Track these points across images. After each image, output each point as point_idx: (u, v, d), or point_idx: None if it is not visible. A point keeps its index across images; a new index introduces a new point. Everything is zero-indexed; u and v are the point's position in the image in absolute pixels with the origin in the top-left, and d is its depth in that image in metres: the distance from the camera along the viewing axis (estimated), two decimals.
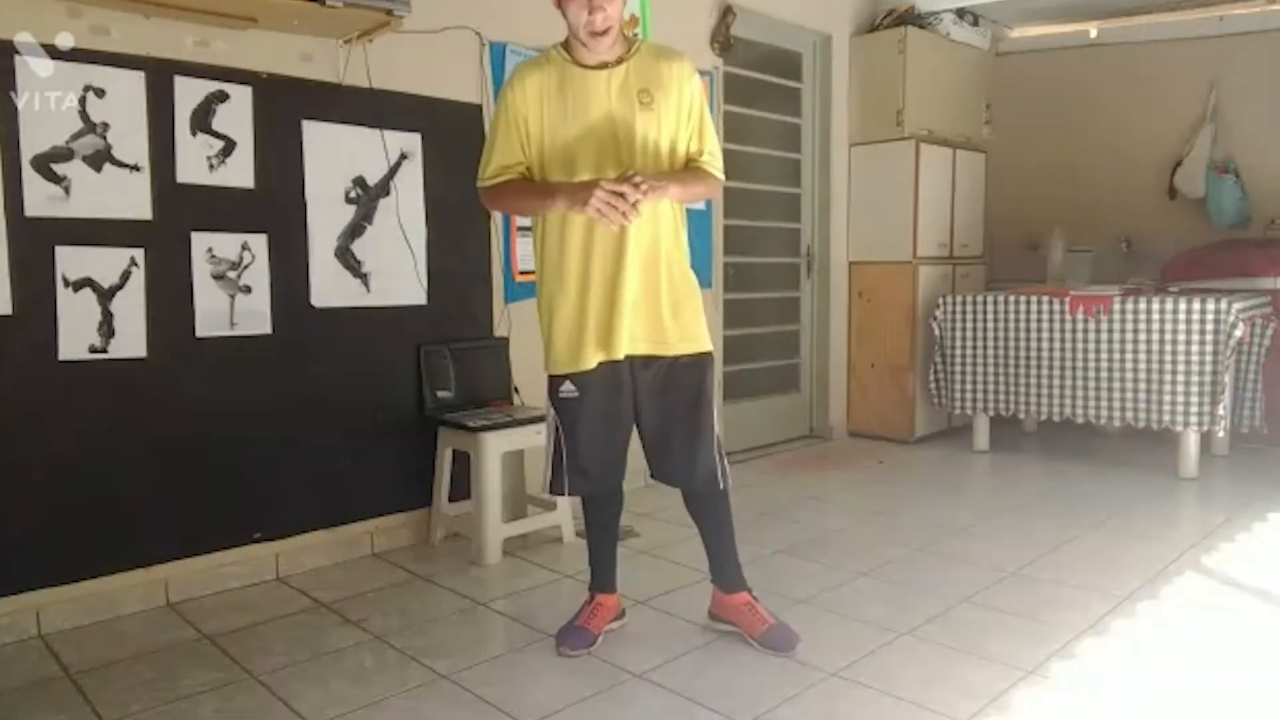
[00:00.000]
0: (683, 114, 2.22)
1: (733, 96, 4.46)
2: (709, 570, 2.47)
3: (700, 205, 4.16)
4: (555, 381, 2.28)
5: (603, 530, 2.47)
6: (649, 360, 2.25)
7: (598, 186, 2.04)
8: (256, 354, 2.88)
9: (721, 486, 2.31)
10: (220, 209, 2.78)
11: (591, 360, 2.22)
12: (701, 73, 4.14)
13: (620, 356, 2.22)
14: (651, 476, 2.39)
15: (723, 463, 2.32)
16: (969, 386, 4.64)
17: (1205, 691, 2.11)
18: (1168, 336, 4.01)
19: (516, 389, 3.51)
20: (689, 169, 2.25)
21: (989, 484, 4.20)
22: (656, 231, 2.20)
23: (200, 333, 2.77)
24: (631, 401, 2.28)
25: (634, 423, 2.32)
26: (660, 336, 2.24)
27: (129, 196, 2.61)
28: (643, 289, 2.21)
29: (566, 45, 2.21)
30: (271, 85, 2.86)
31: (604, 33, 2.09)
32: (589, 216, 2.09)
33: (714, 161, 2.27)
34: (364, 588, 2.87)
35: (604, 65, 2.17)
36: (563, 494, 2.33)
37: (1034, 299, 4.40)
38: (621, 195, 2.03)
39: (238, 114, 2.80)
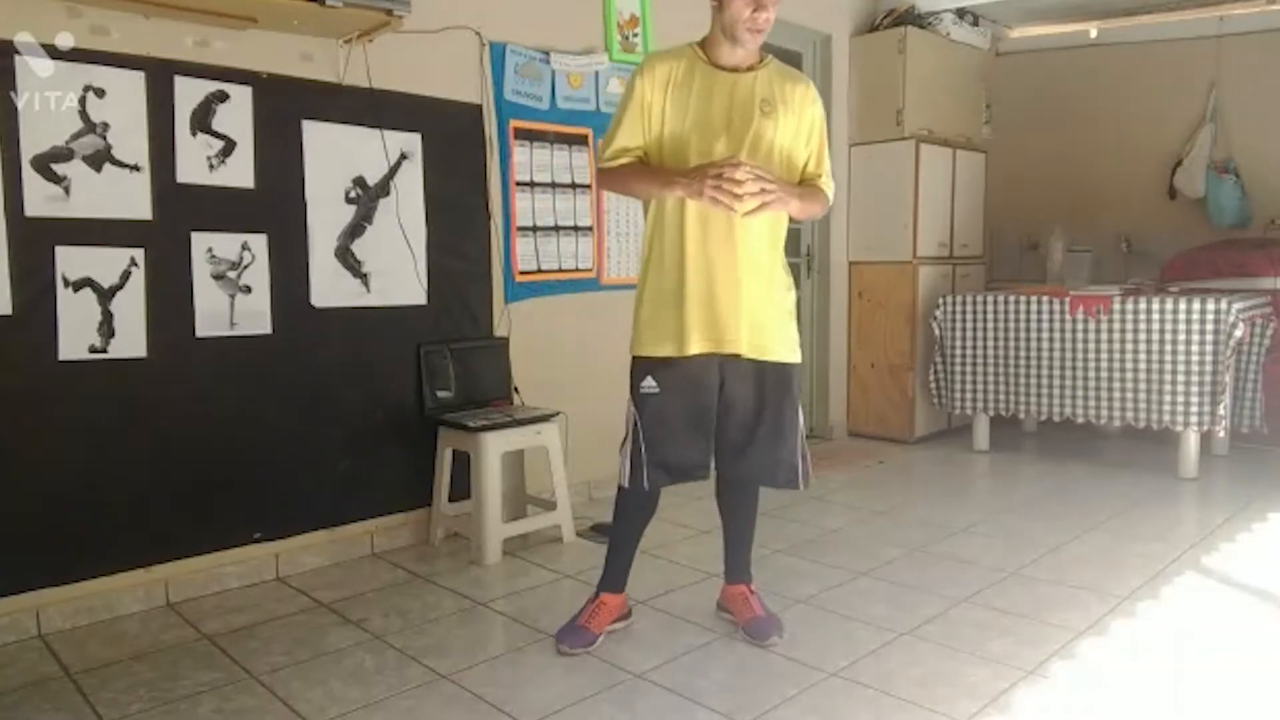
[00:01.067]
0: (801, 133, 2.30)
1: None
2: (723, 562, 2.55)
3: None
4: (638, 373, 2.30)
5: (636, 531, 2.46)
6: (744, 361, 2.27)
7: (706, 174, 2.07)
8: (256, 354, 2.88)
9: (802, 487, 2.40)
10: (220, 209, 2.78)
11: (690, 349, 2.23)
12: None
13: (722, 351, 2.25)
14: (717, 468, 2.40)
15: (805, 463, 2.38)
16: (969, 386, 4.64)
17: (1205, 691, 2.11)
18: (1168, 336, 4.01)
19: (516, 389, 3.51)
20: (807, 186, 2.32)
21: (989, 484, 4.20)
22: (770, 237, 2.26)
23: (200, 333, 2.77)
24: (715, 397, 2.30)
25: (714, 418, 2.33)
26: (761, 339, 2.26)
27: (129, 196, 2.61)
28: (749, 289, 2.24)
29: (703, 43, 2.29)
30: (271, 85, 2.86)
31: (760, 32, 2.18)
32: (704, 204, 2.12)
33: (829, 183, 2.36)
34: (364, 588, 2.87)
35: (736, 69, 2.25)
36: (642, 488, 2.32)
37: (1034, 299, 4.40)
38: (728, 180, 2.05)
39: (238, 114, 2.80)
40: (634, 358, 2.32)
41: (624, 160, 2.27)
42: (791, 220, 2.35)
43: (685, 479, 2.37)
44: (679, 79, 2.23)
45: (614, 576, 2.46)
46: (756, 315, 2.25)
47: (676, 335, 2.24)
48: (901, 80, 4.79)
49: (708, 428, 2.33)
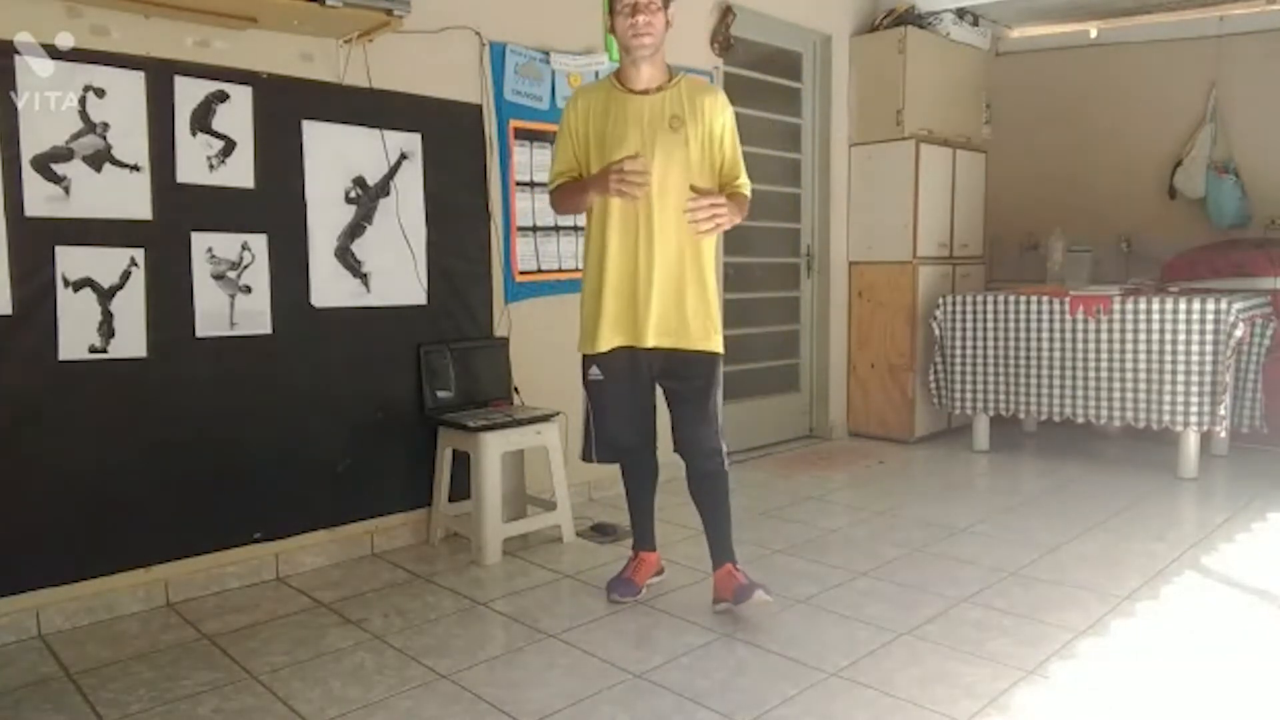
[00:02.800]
0: (715, 141, 2.53)
1: (733, 96, 4.34)
2: (709, 549, 2.66)
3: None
4: (585, 363, 2.62)
5: (639, 494, 2.77)
6: (664, 351, 2.53)
7: (609, 171, 2.38)
8: (256, 354, 2.88)
9: (725, 467, 2.60)
10: (220, 209, 2.78)
11: (612, 343, 2.53)
12: (701, 73, 4.16)
13: (639, 344, 2.51)
14: (674, 448, 2.64)
15: (723, 447, 2.60)
16: (969, 386, 4.64)
17: (1205, 691, 2.11)
18: (1168, 336, 4.01)
19: (516, 389, 3.51)
20: (732, 195, 2.53)
21: (989, 484, 4.20)
22: (683, 235, 2.48)
23: (200, 333, 2.77)
24: (651, 382, 2.61)
25: (654, 401, 2.66)
26: (677, 330, 2.51)
27: (129, 196, 2.61)
28: (661, 284, 2.48)
29: (619, 73, 2.56)
30: (271, 85, 2.86)
31: (645, 35, 2.42)
32: (614, 198, 2.42)
33: (746, 186, 2.60)
34: (364, 588, 2.87)
35: (645, 92, 2.51)
36: (592, 461, 2.67)
37: (1034, 299, 4.40)
38: (623, 170, 2.35)
39: (238, 114, 2.80)
40: (582, 354, 2.62)
41: (561, 181, 2.60)
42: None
43: (632, 455, 2.70)
44: (597, 109, 2.52)
45: (640, 534, 2.80)
46: (671, 308, 2.49)
47: (608, 330, 2.52)
48: (901, 80, 4.79)
49: (644, 409, 2.65)
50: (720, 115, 2.54)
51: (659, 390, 2.65)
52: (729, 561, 2.60)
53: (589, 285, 2.58)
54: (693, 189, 2.42)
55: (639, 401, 2.63)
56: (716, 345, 2.56)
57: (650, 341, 2.50)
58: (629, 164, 2.35)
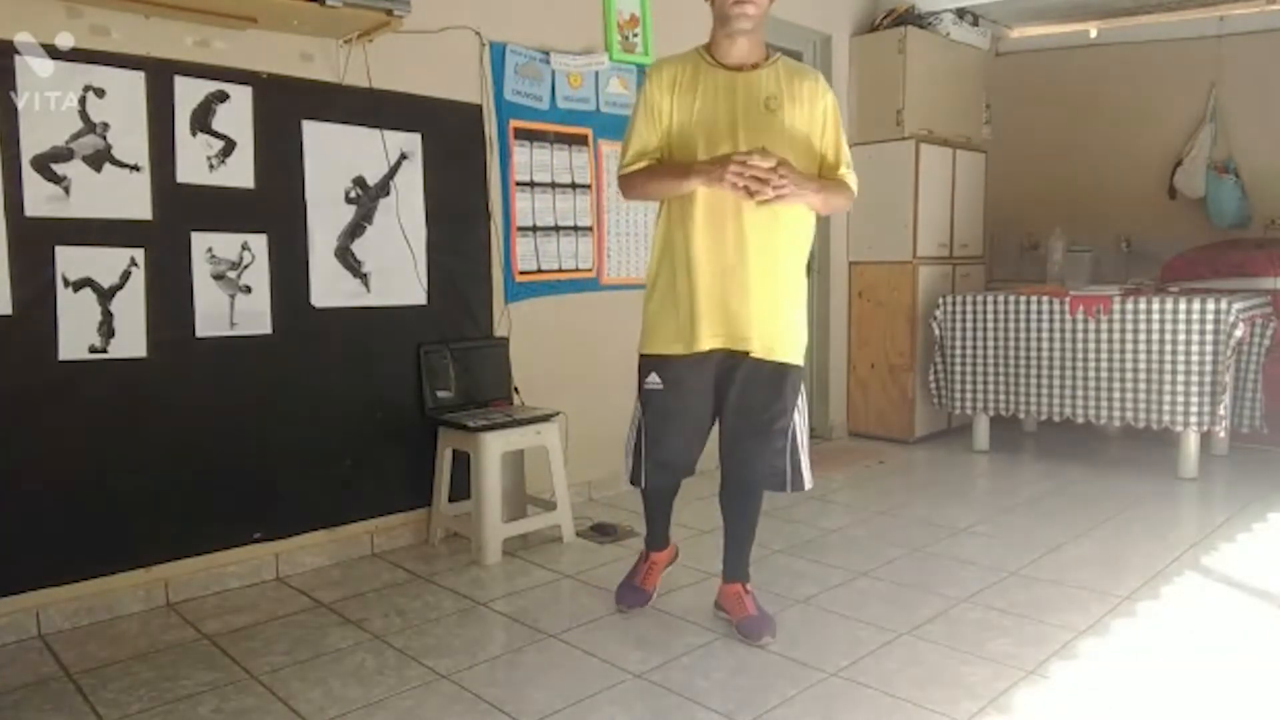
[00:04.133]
0: (815, 127, 2.30)
1: None
2: (722, 561, 2.55)
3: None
4: (644, 369, 2.37)
5: (664, 506, 2.60)
6: (743, 358, 2.30)
7: (731, 160, 2.11)
8: (256, 354, 2.88)
9: (789, 490, 2.40)
10: (220, 209, 2.78)
11: (692, 346, 2.28)
12: None
13: (726, 348, 2.29)
14: (721, 466, 2.44)
15: (796, 468, 2.39)
16: (969, 386, 4.64)
17: (1205, 691, 2.11)
18: (1168, 336, 4.01)
19: (516, 389, 3.51)
20: (829, 179, 2.31)
21: (989, 484, 4.20)
22: (776, 234, 2.26)
23: (200, 333, 2.77)
24: (713, 394, 2.36)
25: (713, 415, 2.41)
26: (765, 338, 2.29)
27: (129, 196, 2.61)
28: (756, 286, 2.26)
29: (710, 45, 2.32)
30: (271, 85, 2.86)
31: (745, 3, 2.17)
32: (724, 189, 2.14)
33: (849, 174, 2.34)
34: (364, 588, 2.87)
35: (740, 68, 2.27)
36: (641, 486, 2.45)
37: (1034, 299, 4.40)
38: (751, 166, 2.09)
39: (238, 114, 2.80)
40: (641, 355, 2.37)
41: (642, 164, 2.32)
42: (817, 216, 2.37)
43: (683, 476, 2.49)
44: (685, 82, 2.27)
45: (656, 534, 2.64)
46: (762, 315, 2.27)
47: (679, 333, 2.30)
48: (901, 80, 4.79)
49: (705, 427, 2.41)
50: (822, 100, 2.30)
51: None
52: (740, 581, 2.49)
53: (669, 282, 2.30)
54: (750, 152, 2.13)
55: (701, 413, 2.38)
56: (799, 358, 2.35)
57: (738, 345, 2.28)
58: (754, 158, 2.09)
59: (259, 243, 2.87)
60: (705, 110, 2.24)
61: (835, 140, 2.33)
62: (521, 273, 3.58)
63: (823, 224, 4.99)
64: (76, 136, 2.51)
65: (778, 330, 2.30)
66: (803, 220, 2.33)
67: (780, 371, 2.32)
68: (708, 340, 2.28)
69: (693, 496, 3.59)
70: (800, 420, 2.40)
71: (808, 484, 2.41)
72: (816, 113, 2.29)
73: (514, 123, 3.52)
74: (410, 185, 3.21)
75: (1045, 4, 5.07)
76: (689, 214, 2.25)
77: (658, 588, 2.63)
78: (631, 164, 2.33)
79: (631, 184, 2.35)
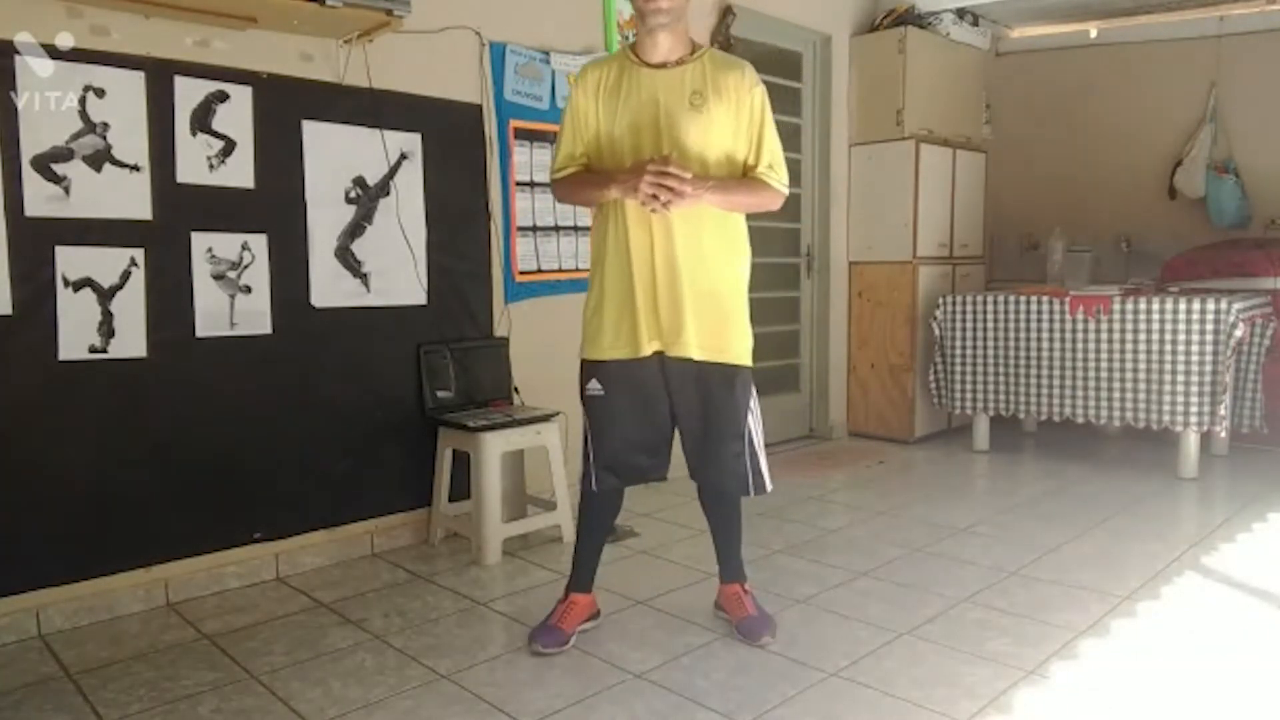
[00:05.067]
0: (740, 123, 2.24)
1: None
2: (717, 562, 2.54)
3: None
4: (584, 375, 2.35)
5: (599, 530, 2.49)
6: (686, 363, 2.28)
7: (644, 172, 2.09)
8: (256, 354, 2.88)
9: (752, 494, 2.36)
10: (220, 209, 2.78)
11: (623, 352, 2.27)
12: None
13: (664, 352, 2.27)
14: (690, 475, 2.43)
15: (757, 469, 2.36)
16: (969, 386, 4.64)
17: (1205, 691, 2.11)
18: (1168, 336, 4.01)
19: (516, 389, 3.51)
20: (742, 178, 2.27)
21: (989, 484, 4.20)
22: (703, 235, 2.23)
23: (200, 333, 2.77)
24: (665, 399, 2.33)
25: (670, 420, 2.37)
26: (703, 341, 2.27)
27: (129, 196, 2.61)
28: (688, 290, 2.23)
29: (635, 45, 2.29)
30: (271, 85, 2.86)
31: (660, 10, 2.14)
32: (638, 204, 2.14)
33: (772, 173, 2.28)
34: (364, 588, 2.87)
35: (664, 65, 2.23)
36: (591, 489, 2.38)
37: (1034, 299, 4.40)
38: (666, 175, 2.07)
39: (238, 114, 2.80)
40: (581, 360, 2.36)
41: (571, 170, 2.33)
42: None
43: (637, 480, 2.43)
44: (609, 84, 2.25)
45: (581, 575, 2.47)
46: (700, 317, 2.25)
47: (617, 338, 2.28)
48: (901, 80, 4.78)
49: (660, 429, 2.37)
50: (749, 94, 2.24)
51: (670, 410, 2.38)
52: (738, 582, 2.49)
53: (606, 287, 2.29)
54: (661, 159, 2.10)
55: (650, 418, 2.35)
56: (746, 357, 2.33)
57: (681, 351, 2.26)
58: (663, 165, 2.07)
59: (259, 243, 2.87)
60: (631, 111, 2.22)
61: (758, 136, 2.26)
62: (521, 273, 3.58)
63: (822, 224, 5.01)
64: (76, 136, 2.51)
65: (719, 332, 2.28)
66: (732, 220, 2.29)
67: (729, 374, 2.30)
68: (646, 344, 2.26)
69: (691, 496, 3.58)
70: (754, 422, 2.37)
71: (768, 486, 2.37)
72: (743, 107, 2.24)
73: (514, 123, 3.52)
74: (410, 185, 3.21)
75: (1045, 4, 5.07)
76: (621, 218, 2.24)
77: (576, 632, 2.41)
78: (560, 170, 2.34)
79: (560, 190, 2.38)
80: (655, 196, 2.08)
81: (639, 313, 2.25)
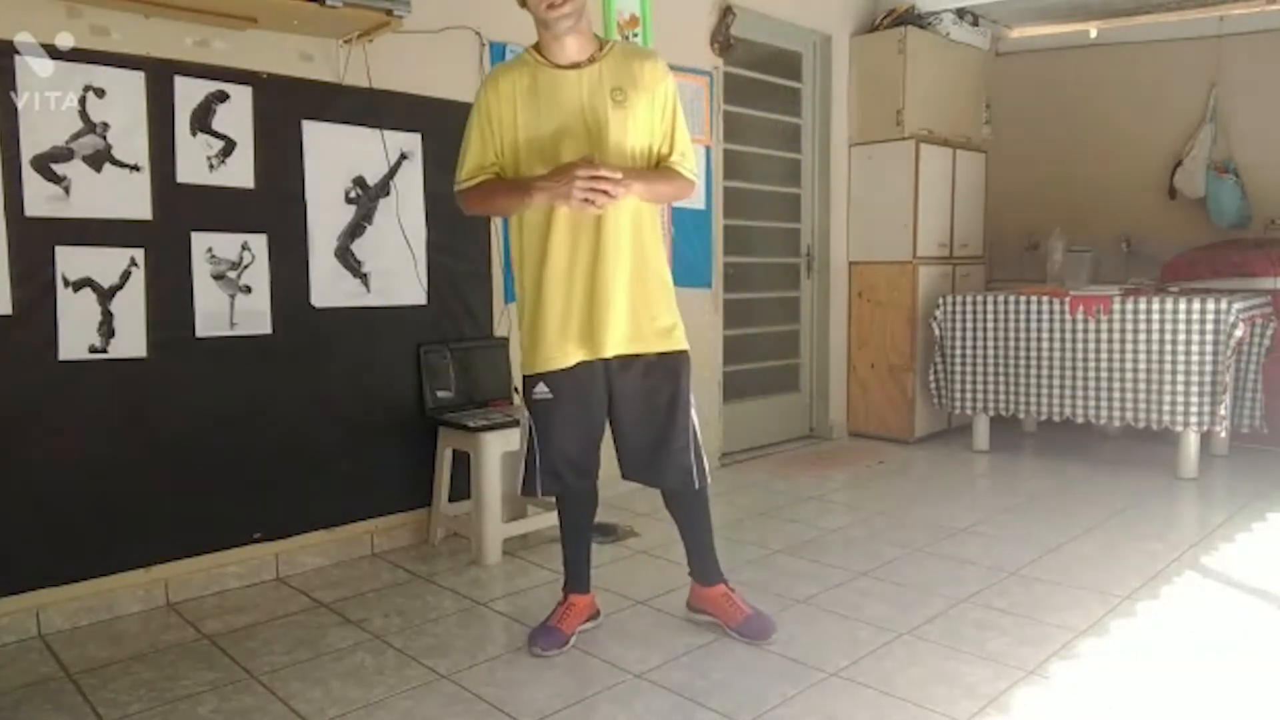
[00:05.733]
0: (655, 113, 2.24)
1: (732, 96, 4.45)
2: (687, 564, 2.50)
3: (686, 203, 4.15)
4: (530, 382, 2.31)
5: (577, 531, 2.47)
6: (626, 360, 2.27)
7: (574, 177, 2.04)
8: (256, 354, 2.88)
9: (696, 486, 2.34)
10: (220, 209, 2.78)
11: (571, 358, 2.24)
12: (701, 72, 4.16)
13: (600, 355, 2.24)
14: (623, 476, 2.40)
15: (700, 463, 2.34)
16: (969, 386, 4.64)
17: (1205, 691, 2.11)
18: (1168, 336, 4.01)
19: (516, 389, 3.50)
20: (657, 169, 2.27)
21: (989, 484, 4.20)
22: (633, 228, 2.22)
23: (200, 333, 2.77)
24: (605, 401, 2.31)
25: (605, 422, 2.35)
26: (638, 334, 2.26)
27: (129, 196, 2.61)
28: (620, 287, 2.22)
29: (538, 46, 2.24)
30: (271, 85, 2.86)
31: (561, 3, 2.09)
32: (571, 208, 2.11)
33: (684, 162, 2.28)
34: (364, 588, 2.87)
35: (575, 65, 2.20)
36: (535, 494, 2.37)
37: (1034, 299, 4.40)
38: (599, 178, 2.04)
39: (238, 114, 2.80)
40: (524, 375, 2.33)
41: (481, 178, 2.27)
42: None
43: (579, 485, 2.38)
44: (524, 89, 2.20)
45: (575, 576, 2.47)
46: (638, 311, 2.24)
47: (562, 345, 2.24)
48: (901, 80, 4.79)
49: (599, 433, 2.35)
50: (662, 82, 2.24)
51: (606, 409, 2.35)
52: (721, 582, 2.46)
53: (531, 295, 2.26)
54: (588, 163, 2.07)
55: (591, 422, 2.32)
56: (682, 342, 2.30)
57: (610, 350, 2.23)
58: (592, 169, 2.04)
59: (259, 243, 2.87)
60: (555, 114, 2.17)
61: (670, 126, 2.26)
62: None
63: (822, 224, 5.02)
64: (76, 136, 2.51)
65: (657, 320, 2.26)
66: (649, 211, 2.29)
67: (673, 361, 2.29)
68: (589, 347, 2.23)
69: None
70: (695, 413, 2.35)
71: (709, 477, 2.37)
72: (657, 98, 2.23)
73: None
74: (410, 185, 3.21)
75: (1045, 4, 5.07)
76: (544, 223, 2.19)
77: (576, 633, 2.40)
78: (468, 179, 2.27)
79: (469, 200, 2.31)
80: (589, 200, 2.05)
81: (575, 316, 2.22)
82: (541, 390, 2.28)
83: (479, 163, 2.27)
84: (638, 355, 2.27)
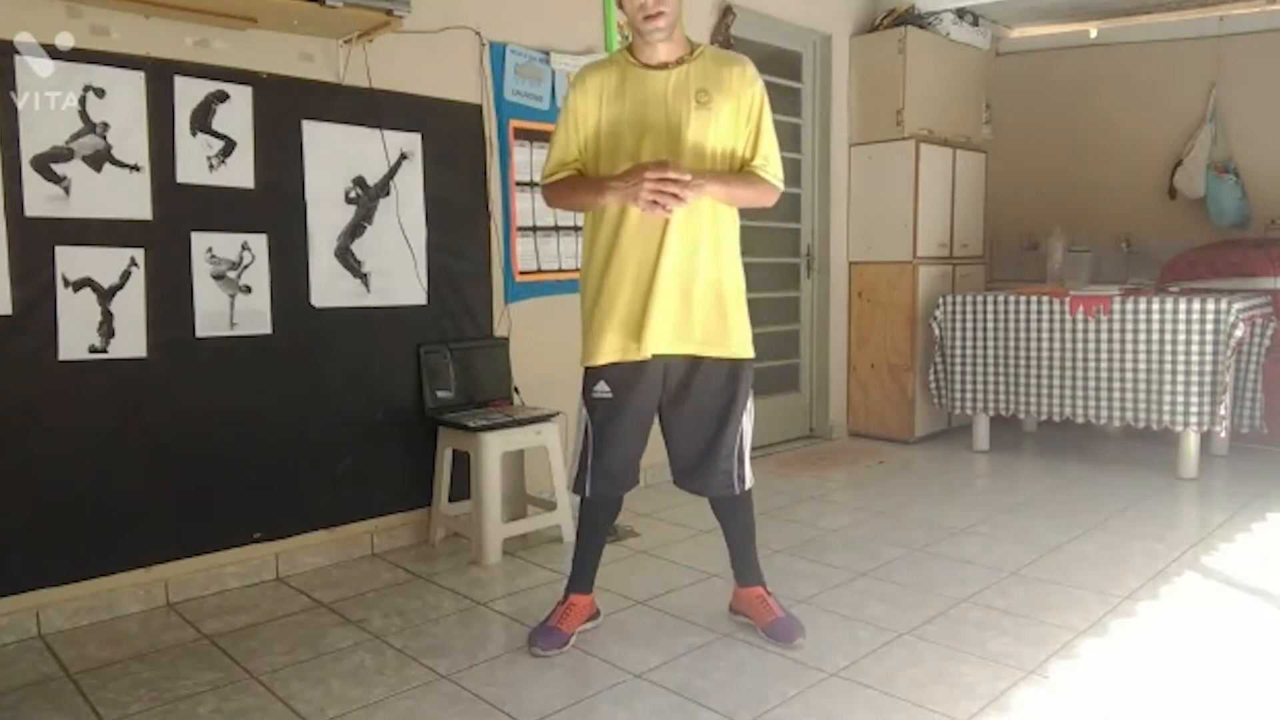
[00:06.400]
0: (740, 118, 2.25)
1: None
2: (730, 565, 2.52)
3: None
4: (590, 379, 2.32)
5: (596, 532, 2.48)
6: (684, 361, 2.28)
7: (643, 179, 2.07)
8: (256, 354, 2.88)
9: (736, 492, 2.36)
10: (220, 209, 2.78)
11: (627, 354, 2.25)
12: None
13: (656, 354, 2.25)
14: (674, 482, 2.43)
15: (742, 468, 2.36)
16: (969, 386, 4.64)
17: (1205, 691, 2.11)
18: (1168, 336, 4.01)
19: (516, 389, 3.51)
20: (739, 172, 2.27)
21: (989, 484, 4.20)
22: (702, 230, 2.23)
23: (200, 333, 2.77)
24: (656, 404, 2.33)
25: (653, 423, 2.37)
26: (698, 337, 2.26)
27: (129, 196, 2.61)
28: (684, 288, 2.23)
29: (631, 48, 2.28)
30: (271, 85, 2.86)
31: (657, 15, 2.13)
32: (640, 209, 2.13)
33: (767, 167, 2.29)
34: (364, 588, 2.87)
35: (665, 66, 2.23)
36: (584, 495, 2.36)
37: (1034, 299, 4.40)
38: (668, 180, 2.06)
39: (238, 114, 2.80)
40: (586, 367, 2.33)
41: (563, 174, 2.31)
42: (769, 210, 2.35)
43: (624, 489, 2.40)
44: (611, 88, 2.24)
45: (581, 576, 2.47)
46: (702, 312, 2.25)
47: (625, 341, 2.24)
48: (901, 80, 4.78)
49: (647, 434, 2.36)
50: (750, 88, 2.25)
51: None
52: (759, 585, 2.47)
53: (594, 288, 2.29)
54: (659, 165, 2.08)
55: (643, 424, 2.34)
56: (746, 349, 2.33)
57: (667, 349, 2.24)
58: (662, 170, 2.06)
59: (259, 243, 2.87)
60: (638, 113, 2.21)
61: (756, 132, 2.27)
62: (521, 273, 3.58)
63: (822, 224, 5.01)
64: (76, 136, 2.51)
65: (722, 326, 2.27)
66: (727, 216, 2.30)
67: (735, 367, 2.31)
68: (651, 346, 2.23)
69: (691, 496, 3.59)
70: (748, 421, 2.37)
71: (749, 483, 2.39)
72: (743, 102, 2.24)
73: (514, 123, 3.52)
74: (410, 185, 3.21)
75: (1045, 4, 5.07)
76: (618, 221, 2.22)
77: (575, 633, 2.41)
78: (552, 174, 2.32)
79: (552, 194, 2.36)
80: (657, 203, 2.08)
81: (643, 314, 2.22)
82: (602, 389, 2.29)
83: (561, 159, 2.31)
84: (697, 359, 2.28)
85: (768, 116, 2.29)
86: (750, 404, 2.37)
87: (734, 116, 2.24)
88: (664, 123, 2.20)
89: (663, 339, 2.24)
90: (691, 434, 2.34)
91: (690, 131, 2.20)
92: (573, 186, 2.30)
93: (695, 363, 2.29)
